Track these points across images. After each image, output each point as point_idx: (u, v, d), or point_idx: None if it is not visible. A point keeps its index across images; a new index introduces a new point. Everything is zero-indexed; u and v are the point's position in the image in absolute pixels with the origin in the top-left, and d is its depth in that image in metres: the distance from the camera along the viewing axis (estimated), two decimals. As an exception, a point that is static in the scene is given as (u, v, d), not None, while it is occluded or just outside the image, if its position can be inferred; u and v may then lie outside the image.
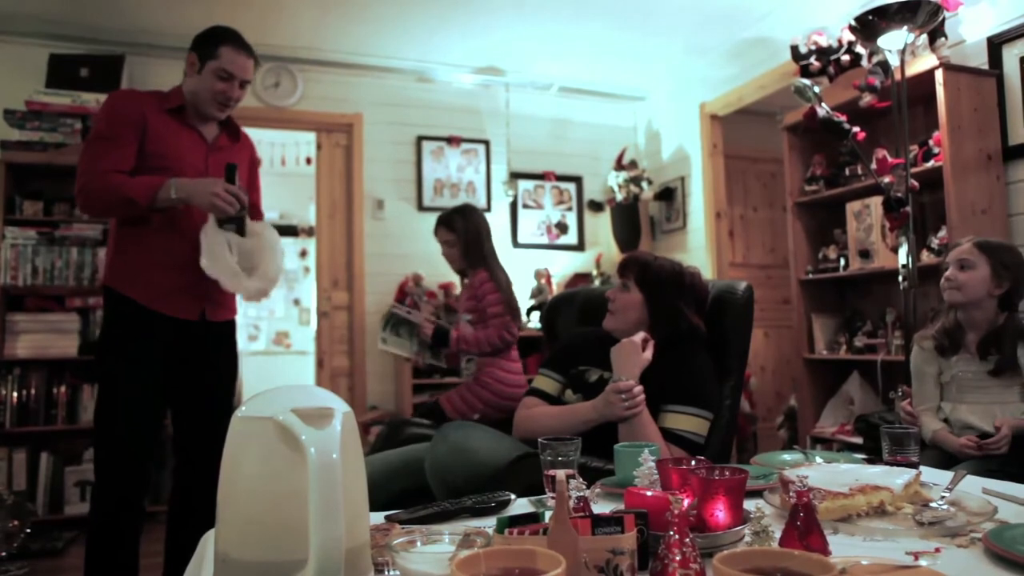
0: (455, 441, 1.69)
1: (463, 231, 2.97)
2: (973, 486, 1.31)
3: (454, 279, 4.69)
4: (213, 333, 2.23)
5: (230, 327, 2.33)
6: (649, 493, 1.00)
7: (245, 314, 6.57)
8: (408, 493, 1.88)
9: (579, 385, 1.88)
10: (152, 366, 2.10)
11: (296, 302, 7.05)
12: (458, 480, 1.61)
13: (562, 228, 5.15)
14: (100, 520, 2.07)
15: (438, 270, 4.71)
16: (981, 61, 3.03)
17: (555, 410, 1.85)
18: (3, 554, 2.67)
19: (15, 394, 3.46)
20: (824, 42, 3.34)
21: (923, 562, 0.90)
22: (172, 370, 2.15)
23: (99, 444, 2.11)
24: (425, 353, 2.91)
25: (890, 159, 2.87)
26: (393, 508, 1.93)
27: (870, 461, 1.45)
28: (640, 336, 1.75)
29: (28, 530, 2.76)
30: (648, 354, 1.72)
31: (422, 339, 2.93)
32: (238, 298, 2.31)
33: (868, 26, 2.70)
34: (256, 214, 2.37)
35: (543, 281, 4.77)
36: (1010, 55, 2.94)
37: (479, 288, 2.95)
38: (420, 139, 4.81)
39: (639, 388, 1.65)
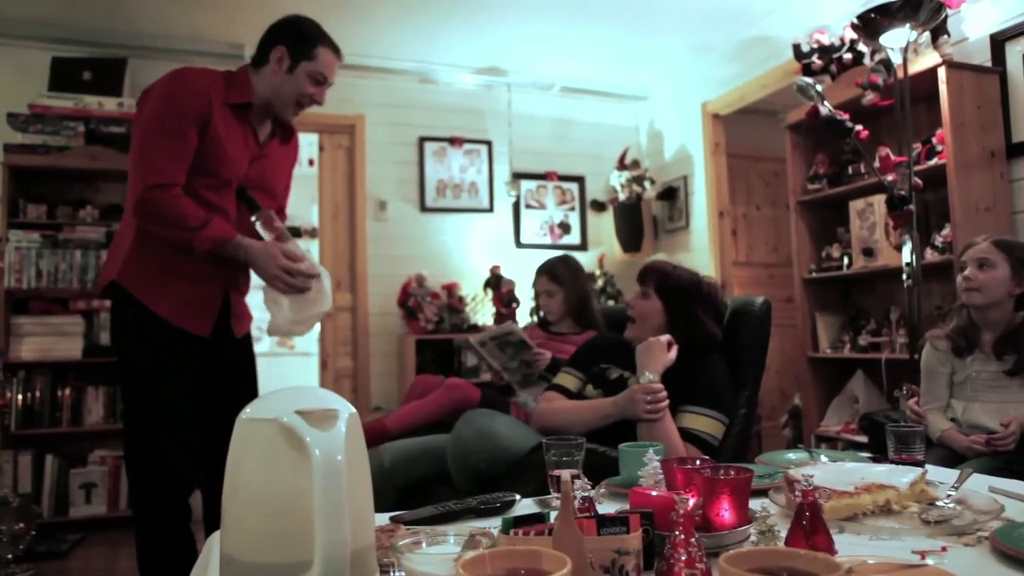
0: (480, 424, 1.75)
1: (569, 281, 2.76)
2: (980, 484, 1.31)
3: (457, 279, 4.70)
4: (236, 345, 2.11)
5: (249, 338, 2.22)
6: (654, 493, 1.00)
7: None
8: (426, 479, 1.94)
9: (600, 381, 1.92)
10: (185, 378, 1.98)
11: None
12: (481, 463, 1.67)
13: (565, 228, 5.15)
14: (148, 525, 1.95)
15: (441, 271, 4.72)
16: (984, 58, 3.02)
17: (574, 404, 1.88)
18: (9, 556, 2.68)
19: (20, 396, 3.47)
20: (826, 40, 3.33)
21: (930, 561, 0.90)
22: (199, 382, 2.04)
23: (136, 458, 1.97)
24: (516, 376, 2.76)
25: (893, 157, 2.86)
26: (410, 492, 1.95)
27: (875, 460, 1.45)
28: (666, 337, 1.79)
29: (34, 532, 2.77)
30: (672, 355, 1.77)
31: (526, 362, 2.75)
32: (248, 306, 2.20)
33: (870, 24, 2.69)
34: (280, 216, 2.25)
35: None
36: (1013, 52, 2.93)
37: None
38: (422, 140, 4.82)
39: (664, 394, 1.67)
